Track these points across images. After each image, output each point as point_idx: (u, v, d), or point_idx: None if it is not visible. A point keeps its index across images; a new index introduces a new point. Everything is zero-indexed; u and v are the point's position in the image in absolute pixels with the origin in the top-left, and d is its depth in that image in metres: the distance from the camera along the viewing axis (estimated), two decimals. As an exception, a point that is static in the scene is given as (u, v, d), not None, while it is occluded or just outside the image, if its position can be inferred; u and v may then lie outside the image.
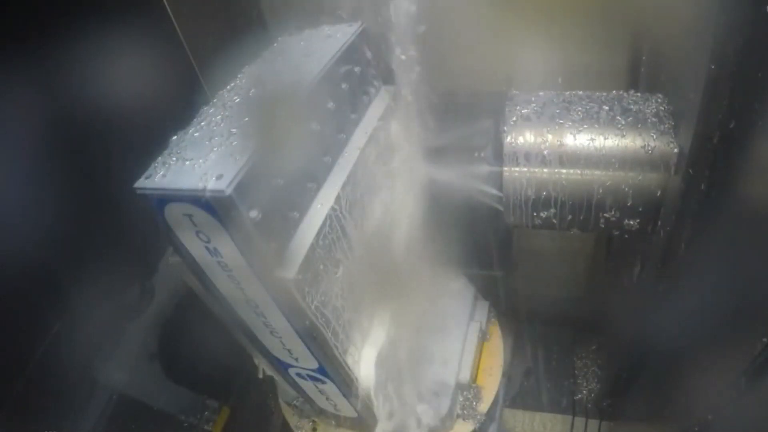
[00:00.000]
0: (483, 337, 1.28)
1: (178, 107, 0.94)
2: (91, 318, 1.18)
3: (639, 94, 0.97)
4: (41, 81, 0.95)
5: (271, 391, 1.33)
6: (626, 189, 0.91)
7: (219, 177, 0.66)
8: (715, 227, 0.72)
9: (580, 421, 1.31)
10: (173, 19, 1.17)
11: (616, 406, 1.28)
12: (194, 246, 0.72)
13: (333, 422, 1.18)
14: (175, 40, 1.18)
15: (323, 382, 0.96)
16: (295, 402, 1.18)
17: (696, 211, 0.77)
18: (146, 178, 0.71)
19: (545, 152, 0.93)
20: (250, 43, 1.14)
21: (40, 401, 1.11)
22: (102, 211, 1.12)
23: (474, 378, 1.22)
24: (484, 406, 1.18)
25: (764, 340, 0.55)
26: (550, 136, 0.93)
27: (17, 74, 0.89)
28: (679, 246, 0.83)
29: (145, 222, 0.81)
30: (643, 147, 0.89)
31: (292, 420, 1.23)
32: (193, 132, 0.78)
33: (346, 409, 1.04)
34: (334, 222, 0.84)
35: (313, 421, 1.21)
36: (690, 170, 0.77)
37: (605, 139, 0.91)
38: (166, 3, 1.15)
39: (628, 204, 0.92)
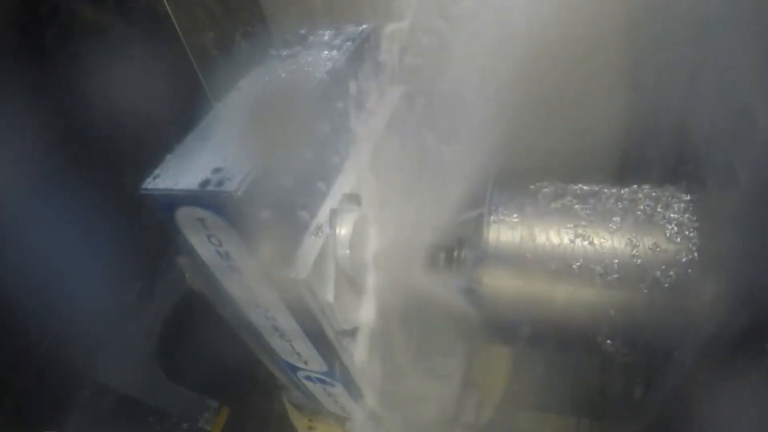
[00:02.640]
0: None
1: (181, 108, 0.94)
2: (91, 318, 1.17)
3: (653, 193, 0.81)
4: (44, 83, 0.94)
5: (273, 391, 1.33)
6: (629, 313, 0.77)
7: (229, 179, 0.65)
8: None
9: (581, 421, 1.32)
10: (174, 21, 1.16)
11: (617, 407, 1.29)
12: (205, 250, 0.71)
13: (332, 421, 1.18)
14: (177, 42, 1.17)
15: (332, 386, 0.95)
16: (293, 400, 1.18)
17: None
18: (154, 178, 0.70)
19: (534, 265, 0.79)
20: (252, 44, 1.14)
21: (40, 401, 1.10)
22: (103, 212, 1.11)
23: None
24: (487, 409, 1.18)
25: None
26: (544, 242, 0.79)
27: (24, 79, 0.89)
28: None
29: (146, 222, 0.80)
30: (653, 258, 0.75)
31: (295, 417, 1.24)
32: (202, 134, 0.77)
33: (354, 412, 1.04)
34: (344, 222, 0.83)
35: (311, 420, 1.21)
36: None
37: (610, 252, 0.77)
38: (167, 6, 1.14)
39: (617, 331, 0.78)
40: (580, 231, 0.78)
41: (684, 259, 0.73)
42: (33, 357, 1.06)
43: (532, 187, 0.87)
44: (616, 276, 0.75)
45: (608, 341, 0.78)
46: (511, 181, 0.89)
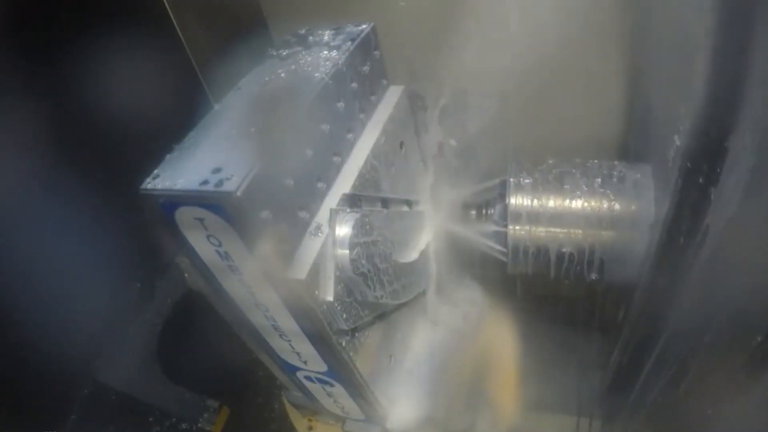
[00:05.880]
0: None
1: (180, 108, 0.93)
2: (92, 318, 1.16)
3: (625, 165, 1.08)
4: (44, 83, 0.94)
5: (273, 391, 1.33)
6: (609, 248, 1.05)
7: (229, 179, 0.65)
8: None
9: (584, 421, 1.31)
10: (174, 22, 1.16)
11: (618, 406, 1.29)
12: (205, 250, 0.71)
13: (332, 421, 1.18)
14: (177, 42, 1.17)
15: (332, 385, 0.95)
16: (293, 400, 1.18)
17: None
18: (154, 178, 0.69)
19: (542, 215, 1.07)
20: (251, 43, 1.13)
21: (40, 401, 1.10)
22: (103, 212, 1.11)
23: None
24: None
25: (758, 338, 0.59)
26: (549, 202, 1.08)
27: (23, 79, 0.89)
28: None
29: (145, 222, 0.80)
30: (625, 211, 1.02)
31: (295, 417, 1.23)
32: (202, 134, 0.77)
33: (353, 412, 1.04)
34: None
35: (310, 420, 1.21)
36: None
37: (593, 205, 1.05)
38: (167, 6, 1.14)
39: (610, 259, 1.06)
40: (572, 190, 1.06)
41: (644, 210, 0.99)
42: (33, 357, 1.05)
43: (540, 158, 1.13)
44: (597, 222, 1.04)
45: (593, 268, 1.07)
46: (525, 155, 1.15)
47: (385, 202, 0.94)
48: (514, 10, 1.11)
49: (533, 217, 1.07)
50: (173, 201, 0.67)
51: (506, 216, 1.08)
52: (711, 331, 0.72)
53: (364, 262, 0.80)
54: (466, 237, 1.16)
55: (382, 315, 0.99)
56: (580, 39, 1.12)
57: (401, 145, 1.07)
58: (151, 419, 1.39)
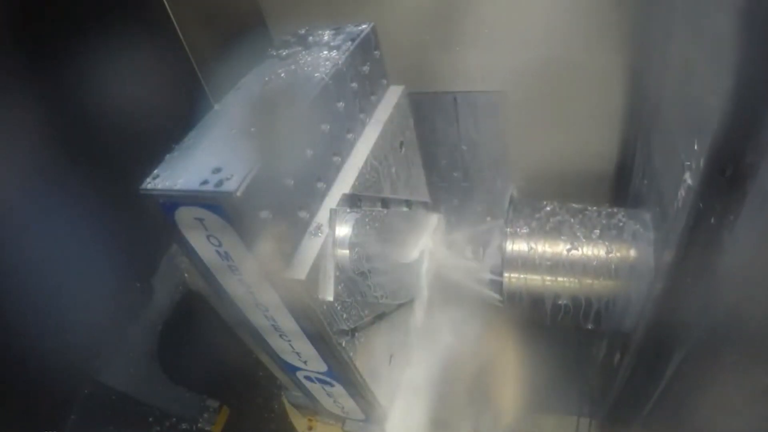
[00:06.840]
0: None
1: (180, 108, 0.93)
2: (91, 318, 1.16)
3: (624, 214, 1.07)
4: (43, 83, 0.94)
5: (273, 391, 1.33)
6: (606, 299, 1.02)
7: (229, 178, 0.65)
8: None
9: (584, 422, 1.31)
10: (174, 22, 1.16)
11: (620, 409, 1.29)
12: (205, 250, 0.71)
13: (332, 421, 1.18)
14: (177, 42, 1.17)
15: (332, 385, 0.95)
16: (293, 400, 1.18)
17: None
18: (154, 178, 0.69)
19: (539, 265, 1.05)
20: (251, 44, 1.14)
21: (40, 401, 1.10)
22: (103, 212, 1.11)
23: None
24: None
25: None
26: (545, 252, 1.06)
27: (22, 79, 0.89)
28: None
29: (145, 222, 0.80)
30: (623, 263, 1.00)
31: (295, 417, 1.24)
32: (201, 134, 0.77)
33: (353, 412, 1.04)
34: (343, 223, 0.83)
35: (310, 420, 1.21)
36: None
37: (590, 256, 1.03)
38: (167, 5, 1.14)
39: (607, 310, 1.04)
40: (570, 239, 1.03)
41: (644, 261, 0.96)
42: (33, 357, 1.05)
43: (537, 205, 1.11)
44: (594, 273, 1.00)
45: (590, 318, 1.05)
46: (523, 199, 1.13)
47: (385, 202, 0.94)
48: (516, 11, 1.11)
49: (529, 266, 1.06)
50: (173, 201, 0.67)
51: (502, 264, 1.08)
52: (721, 363, 0.70)
53: (364, 262, 0.80)
54: (462, 282, 1.14)
55: (382, 315, 0.99)
56: (583, 39, 1.12)
57: (401, 145, 1.07)
58: (151, 419, 1.39)
